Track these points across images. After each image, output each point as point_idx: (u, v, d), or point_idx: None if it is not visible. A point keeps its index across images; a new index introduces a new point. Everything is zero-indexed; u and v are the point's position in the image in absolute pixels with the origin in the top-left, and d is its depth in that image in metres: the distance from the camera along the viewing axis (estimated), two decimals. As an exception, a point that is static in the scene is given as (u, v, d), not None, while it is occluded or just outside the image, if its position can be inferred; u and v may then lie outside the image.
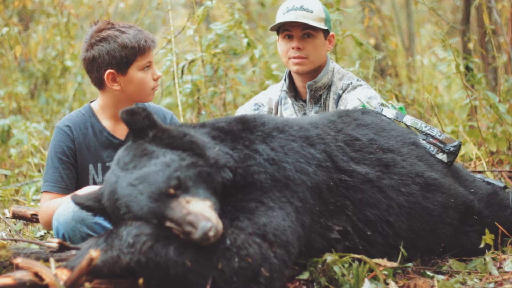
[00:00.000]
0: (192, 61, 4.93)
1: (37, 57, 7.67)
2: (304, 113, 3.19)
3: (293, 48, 3.05)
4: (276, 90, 3.35)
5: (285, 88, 3.24)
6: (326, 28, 3.06)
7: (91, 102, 2.73)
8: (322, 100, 3.15)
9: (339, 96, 3.09)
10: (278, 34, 3.17)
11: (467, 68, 4.55)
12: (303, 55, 3.05)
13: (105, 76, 2.53)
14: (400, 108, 2.69)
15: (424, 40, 9.57)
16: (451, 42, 3.83)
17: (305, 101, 3.20)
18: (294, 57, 3.05)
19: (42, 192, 2.59)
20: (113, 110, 2.64)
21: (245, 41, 5.03)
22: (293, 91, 3.23)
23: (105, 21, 2.60)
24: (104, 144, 2.63)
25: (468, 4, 5.39)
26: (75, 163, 2.60)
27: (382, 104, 2.72)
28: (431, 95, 4.66)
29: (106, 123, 2.66)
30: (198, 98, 4.96)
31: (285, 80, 3.25)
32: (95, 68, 2.55)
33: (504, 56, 5.26)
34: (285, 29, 3.08)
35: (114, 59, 2.50)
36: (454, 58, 3.86)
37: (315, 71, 3.13)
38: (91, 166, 2.61)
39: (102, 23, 2.59)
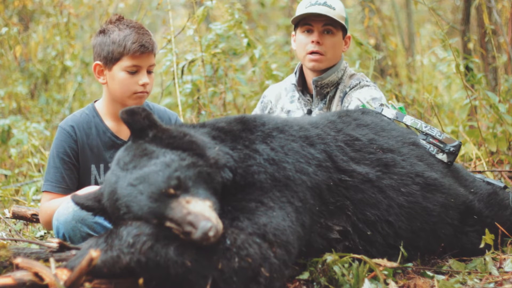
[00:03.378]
0: (192, 61, 4.93)
1: (37, 57, 7.67)
2: (310, 108, 3.19)
3: (312, 42, 3.05)
4: (286, 81, 3.38)
5: (293, 81, 3.26)
6: (346, 26, 3.09)
7: (95, 101, 2.73)
8: (328, 97, 3.15)
9: (345, 94, 3.09)
10: (295, 29, 3.17)
11: (467, 68, 4.55)
12: (321, 50, 3.05)
13: (93, 66, 2.60)
14: (400, 108, 2.69)
15: (424, 40, 9.56)
16: (451, 42, 3.83)
17: (312, 96, 3.21)
18: (313, 52, 3.05)
19: (42, 192, 2.59)
20: (112, 109, 2.64)
21: (245, 41, 5.03)
22: (302, 85, 3.25)
23: (117, 16, 2.64)
24: (107, 144, 2.62)
25: (468, 4, 5.40)
26: (77, 163, 2.59)
27: (382, 104, 2.72)
28: (431, 95, 4.66)
29: (110, 123, 2.66)
30: (198, 98, 4.96)
31: (295, 73, 3.27)
32: (93, 57, 2.64)
33: (504, 56, 5.26)
34: (306, 23, 3.08)
35: (102, 52, 2.55)
36: (454, 58, 3.86)
37: (327, 69, 3.14)
38: (93, 167, 2.61)
39: (115, 17, 2.64)
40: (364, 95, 2.99)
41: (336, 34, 3.08)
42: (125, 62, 2.52)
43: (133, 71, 2.53)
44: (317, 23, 3.05)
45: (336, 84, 3.15)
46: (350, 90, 3.08)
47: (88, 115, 2.66)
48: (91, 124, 2.64)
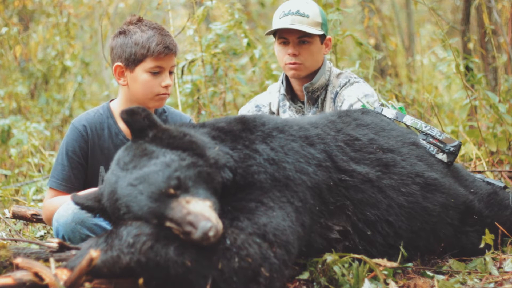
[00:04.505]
0: (192, 61, 4.93)
1: (37, 57, 7.67)
2: (303, 114, 3.19)
3: (288, 54, 3.03)
4: (275, 91, 3.35)
5: (282, 91, 3.24)
6: (322, 33, 3.03)
7: (110, 101, 2.70)
8: (320, 100, 3.14)
9: (337, 93, 3.09)
10: (274, 36, 3.15)
11: (467, 68, 4.55)
12: (298, 61, 3.03)
13: (113, 68, 2.56)
14: (400, 108, 2.69)
15: (424, 40, 9.56)
16: (451, 42, 3.83)
17: (303, 103, 3.20)
18: (290, 63, 3.04)
19: (48, 187, 2.58)
20: None
21: (245, 41, 5.03)
22: (290, 94, 3.23)
23: (137, 17, 2.59)
24: (118, 147, 2.55)
25: (468, 4, 5.40)
26: (86, 163, 2.57)
27: (382, 104, 2.72)
28: (431, 95, 4.66)
29: (123, 125, 2.62)
30: (198, 98, 4.96)
31: (282, 83, 3.25)
32: (111, 58, 2.59)
33: (504, 56, 5.26)
34: (281, 35, 3.05)
35: (124, 53, 2.50)
36: (454, 58, 3.86)
37: (312, 74, 3.12)
38: (102, 168, 2.58)
39: (134, 17, 2.59)
40: (355, 92, 2.99)
41: (312, 42, 3.03)
42: (149, 64, 2.48)
43: (156, 72, 2.50)
44: (291, 35, 3.01)
45: (325, 86, 3.14)
46: (340, 89, 3.07)
47: (102, 115, 2.63)
48: (104, 125, 2.61)
